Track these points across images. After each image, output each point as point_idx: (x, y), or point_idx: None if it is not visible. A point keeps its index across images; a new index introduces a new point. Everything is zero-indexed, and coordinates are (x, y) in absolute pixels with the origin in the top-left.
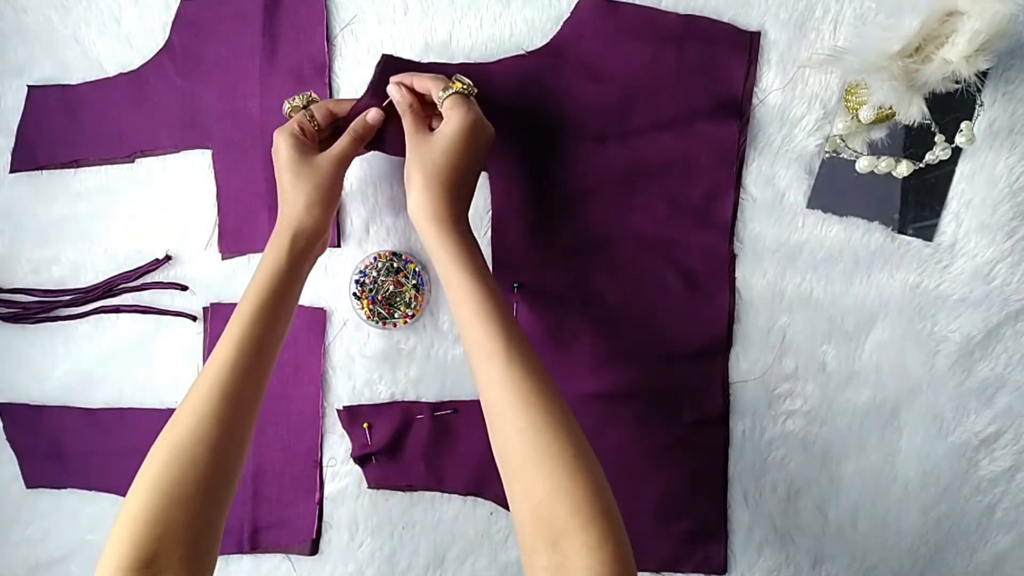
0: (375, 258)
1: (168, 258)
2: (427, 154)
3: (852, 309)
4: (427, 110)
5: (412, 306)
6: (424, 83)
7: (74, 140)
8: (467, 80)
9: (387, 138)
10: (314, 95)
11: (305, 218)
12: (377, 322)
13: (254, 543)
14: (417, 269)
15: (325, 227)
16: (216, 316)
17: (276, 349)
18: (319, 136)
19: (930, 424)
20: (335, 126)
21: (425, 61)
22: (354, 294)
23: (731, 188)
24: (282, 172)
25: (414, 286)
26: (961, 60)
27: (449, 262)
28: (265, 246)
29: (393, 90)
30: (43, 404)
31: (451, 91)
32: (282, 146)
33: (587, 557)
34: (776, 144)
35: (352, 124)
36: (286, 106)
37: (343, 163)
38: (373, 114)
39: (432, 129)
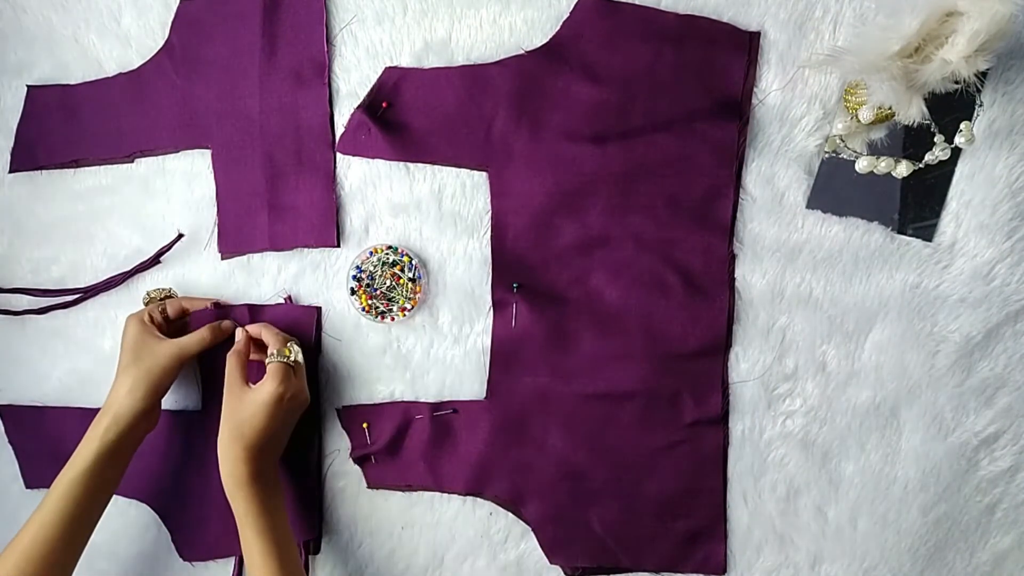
0: (371, 252)
1: (159, 260)
2: (237, 411)
3: (852, 309)
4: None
5: (410, 299)
6: (269, 336)
7: (74, 140)
8: (297, 350)
9: (388, 143)
10: (173, 291)
11: (125, 400)
12: (375, 316)
13: None
14: (414, 262)
15: (147, 410)
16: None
17: (94, 521)
18: (167, 328)
19: (930, 424)
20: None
21: (425, 62)
22: (351, 289)
23: (731, 188)
24: (122, 353)
25: (411, 279)
26: (961, 60)
27: (240, 517)
28: (264, 245)
29: (239, 333)
30: (43, 404)
31: (275, 359)
32: (129, 329)
33: None
34: (776, 144)
35: (206, 327)
36: (145, 296)
37: (182, 357)
38: (227, 324)
39: (251, 384)
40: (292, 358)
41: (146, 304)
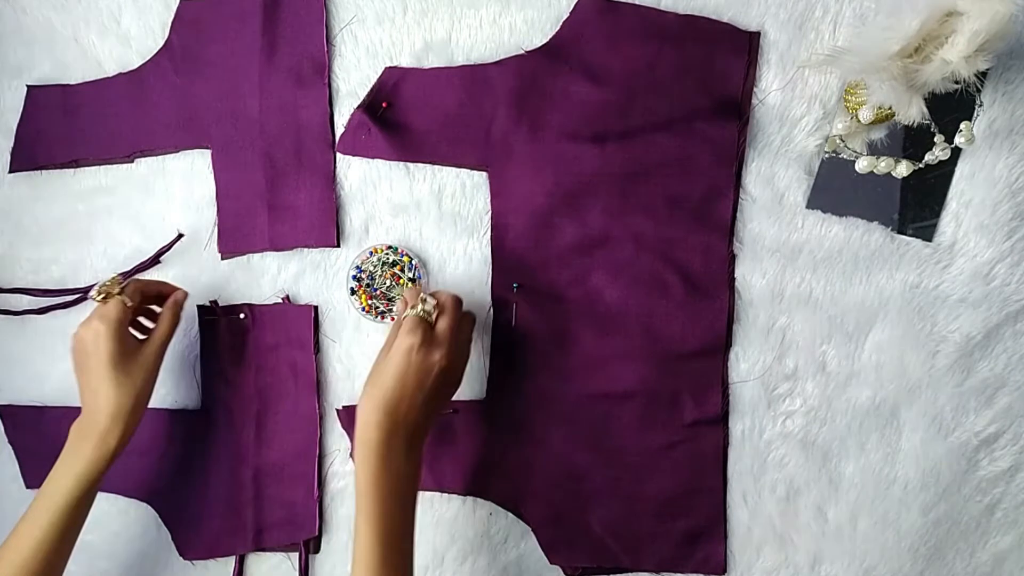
0: (371, 252)
1: (159, 260)
2: (375, 373)
3: (852, 309)
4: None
5: None
6: (409, 295)
7: (74, 140)
8: (431, 303)
9: (388, 143)
10: (118, 277)
11: (112, 432)
12: (375, 316)
13: (258, 543)
14: (414, 262)
15: (130, 435)
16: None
17: (73, 543)
18: (134, 317)
19: (930, 424)
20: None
21: (425, 62)
22: (351, 289)
23: (731, 188)
24: (101, 368)
25: (411, 279)
26: (961, 60)
27: (361, 487)
28: (264, 245)
29: (410, 297)
30: (43, 404)
31: (409, 312)
32: (102, 339)
33: None
34: (776, 144)
35: (166, 307)
36: (94, 292)
37: (164, 348)
38: (180, 294)
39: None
40: (420, 308)
41: (100, 299)
